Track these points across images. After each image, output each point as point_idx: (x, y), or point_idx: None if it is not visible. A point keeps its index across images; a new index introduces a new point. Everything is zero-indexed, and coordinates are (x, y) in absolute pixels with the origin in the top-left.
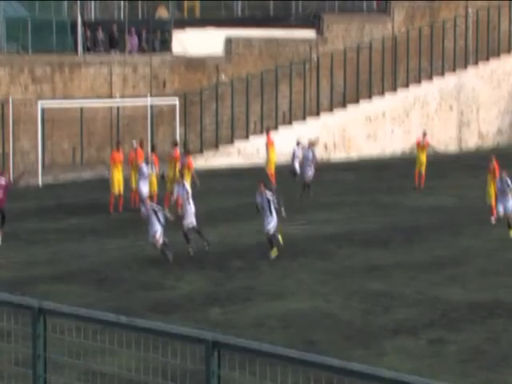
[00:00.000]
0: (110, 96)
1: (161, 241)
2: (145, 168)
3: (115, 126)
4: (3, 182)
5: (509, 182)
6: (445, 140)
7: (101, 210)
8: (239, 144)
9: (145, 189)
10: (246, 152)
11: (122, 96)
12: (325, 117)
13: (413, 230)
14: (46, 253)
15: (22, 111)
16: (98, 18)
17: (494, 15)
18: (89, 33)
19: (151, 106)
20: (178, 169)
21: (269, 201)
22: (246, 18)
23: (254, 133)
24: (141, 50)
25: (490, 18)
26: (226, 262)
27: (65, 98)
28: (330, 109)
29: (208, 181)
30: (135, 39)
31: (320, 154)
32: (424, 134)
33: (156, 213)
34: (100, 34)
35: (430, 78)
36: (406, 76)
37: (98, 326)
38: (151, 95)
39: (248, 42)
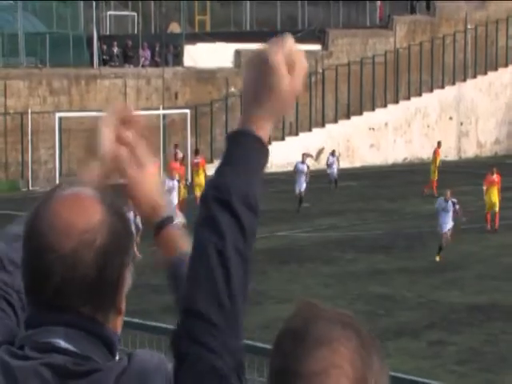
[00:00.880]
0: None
1: None
2: (169, 182)
3: None
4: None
5: (454, 203)
6: (445, 149)
7: None
8: None
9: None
10: None
11: (136, 107)
12: (330, 127)
13: (414, 236)
14: None
15: (41, 122)
16: (112, 32)
17: (491, 31)
18: (104, 47)
19: (163, 117)
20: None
21: None
22: (254, 33)
23: None
24: (154, 63)
25: (488, 33)
26: None
27: (81, 109)
28: (335, 120)
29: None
30: (148, 53)
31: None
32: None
33: None
34: (115, 48)
35: (431, 90)
36: (408, 88)
37: None
38: (163, 106)
39: None
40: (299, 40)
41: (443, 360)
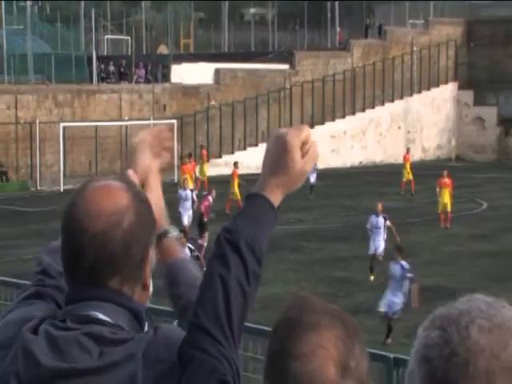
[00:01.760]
0: (120, 118)
1: None
2: (182, 193)
3: (124, 143)
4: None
5: (386, 218)
6: (394, 154)
7: None
8: (226, 157)
9: (186, 217)
10: (231, 164)
11: (130, 118)
12: None
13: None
14: None
15: (47, 131)
16: (109, 53)
17: (434, 53)
18: (102, 66)
19: (153, 126)
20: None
21: None
22: (232, 54)
23: (239, 149)
24: (145, 80)
25: (430, 55)
26: None
27: (82, 120)
28: None
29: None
30: (143, 71)
31: None
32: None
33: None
34: (111, 67)
35: (382, 103)
36: (363, 102)
37: None
38: (154, 117)
39: (233, 73)
40: (270, 60)
41: (394, 334)
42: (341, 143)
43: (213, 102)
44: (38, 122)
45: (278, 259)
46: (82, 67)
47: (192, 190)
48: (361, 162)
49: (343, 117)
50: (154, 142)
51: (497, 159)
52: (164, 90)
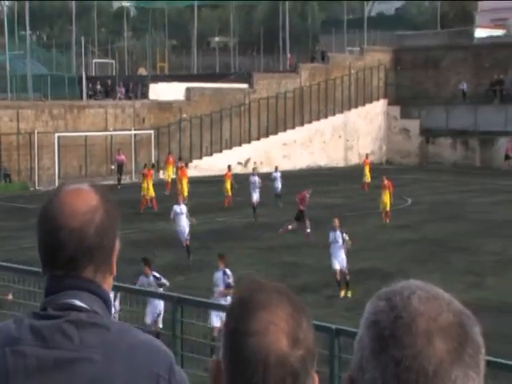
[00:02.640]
0: (106, 129)
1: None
2: (177, 208)
3: (109, 150)
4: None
5: (343, 234)
6: (335, 159)
7: None
8: (196, 162)
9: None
10: (200, 167)
11: (114, 129)
12: (254, 143)
13: (317, 220)
14: None
15: (44, 140)
16: (96, 74)
17: (367, 75)
18: (90, 85)
19: (134, 136)
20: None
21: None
22: (200, 75)
23: (206, 154)
24: (127, 96)
25: (365, 76)
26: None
27: (74, 130)
28: (258, 138)
29: (174, 187)
30: (123, 89)
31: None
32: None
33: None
34: (98, 86)
35: (326, 116)
36: (310, 115)
37: None
38: (134, 128)
39: (201, 91)
40: (232, 80)
41: (335, 309)
42: (291, 150)
43: (184, 116)
44: (36, 132)
45: (239, 246)
46: (73, 86)
47: (186, 204)
48: (308, 166)
49: (293, 128)
50: None
51: (419, 163)
52: (143, 105)
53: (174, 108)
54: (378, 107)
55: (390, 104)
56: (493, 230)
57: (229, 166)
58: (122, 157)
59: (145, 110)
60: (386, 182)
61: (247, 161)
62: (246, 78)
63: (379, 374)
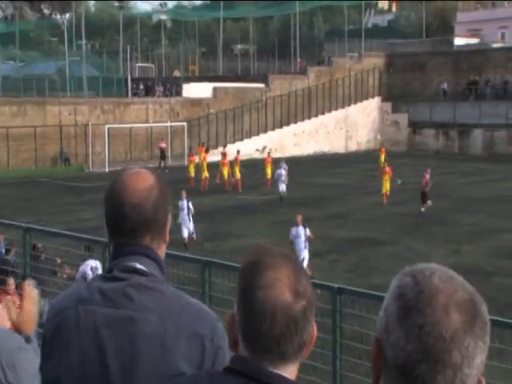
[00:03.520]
0: (146, 121)
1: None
2: (185, 203)
3: (150, 139)
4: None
5: (305, 227)
6: (337, 147)
7: None
8: (220, 148)
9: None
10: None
11: (154, 121)
12: (270, 133)
13: (319, 197)
14: None
15: (97, 130)
16: (139, 76)
17: (365, 76)
18: (134, 85)
19: (170, 127)
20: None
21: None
22: (225, 76)
23: (229, 142)
24: (164, 94)
25: (363, 77)
26: (212, 216)
27: (121, 122)
28: (273, 129)
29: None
30: (161, 89)
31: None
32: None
33: None
34: (141, 86)
35: (330, 111)
36: (316, 110)
37: None
38: (170, 121)
39: (226, 90)
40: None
41: (337, 271)
42: (301, 139)
43: (211, 110)
44: (90, 124)
45: (257, 220)
46: (120, 86)
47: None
48: (315, 152)
49: (302, 120)
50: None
51: (407, 150)
52: (177, 101)
53: (203, 104)
54: (374, 103)
55: (383, 101)
56: (469, 206)
57: (238, 151)
58: (164, 144)
59: (179, 105)
60: (386, 168)
61: (264, 148)
62: (263, 78)
63: (403, 334)
